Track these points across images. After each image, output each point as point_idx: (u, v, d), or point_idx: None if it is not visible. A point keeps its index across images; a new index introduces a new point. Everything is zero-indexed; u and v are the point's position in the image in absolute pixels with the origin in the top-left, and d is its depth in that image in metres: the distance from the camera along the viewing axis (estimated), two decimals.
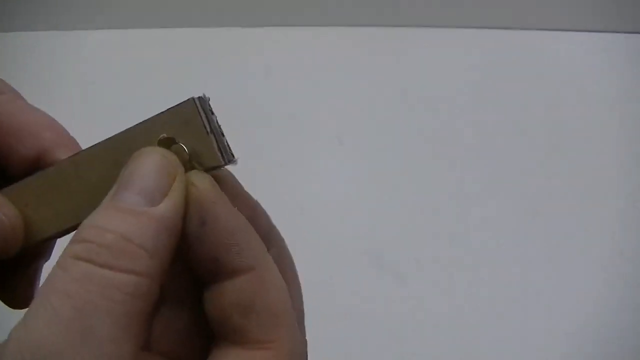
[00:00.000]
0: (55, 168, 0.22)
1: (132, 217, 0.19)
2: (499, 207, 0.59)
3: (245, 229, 0.21)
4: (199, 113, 0.20)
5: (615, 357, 0.52)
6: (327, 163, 0.61)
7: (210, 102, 0.21)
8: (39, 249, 0.24)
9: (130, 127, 0.21)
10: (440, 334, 0.54)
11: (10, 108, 0.23)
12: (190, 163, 0.21)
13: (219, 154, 0.21)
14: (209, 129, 0.20)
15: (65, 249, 0.19)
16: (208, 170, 0.21)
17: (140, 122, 0.21)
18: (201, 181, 0.21)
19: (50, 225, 0.22)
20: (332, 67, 0.67)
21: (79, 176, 0.21)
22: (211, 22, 0.69)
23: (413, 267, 0.56)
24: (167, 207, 0.20)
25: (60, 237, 0.23)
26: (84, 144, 0.25)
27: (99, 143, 0.22)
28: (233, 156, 0.21)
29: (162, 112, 0.21)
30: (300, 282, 0.25)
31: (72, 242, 0.19)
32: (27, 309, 0.19)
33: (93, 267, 0.19)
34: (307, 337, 0.24)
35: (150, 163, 0.20)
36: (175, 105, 0.21)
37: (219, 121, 0.21)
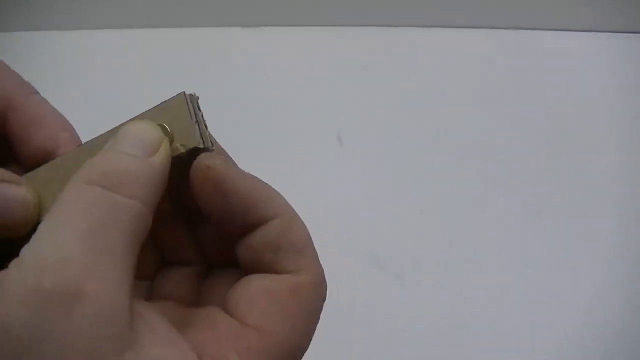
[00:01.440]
0: (60, 159, 0.26)
1: (133, 158, 0.23)
2: (499, 207, 0.59)
3: (262, 185, 0.25)
4: (187, 104, 0.24)
5: (615, 356, 0.52)
6: (327, 163, 0.61)
7: (199, 102, 0.25)
8: None
9: (128, 120, 0.25)
10: (440, 334, 0.54)
11: (40, 107, 0.28)
12: (175, 145, 0.24)
13: (201, 139, 0.24)
14: (195, 119, 0.24)
15: (75, 177, 0.22)
16: (190, 152, 0.24)
17: (137, 116, 0.25)
18: (212, 161, 0.24)
19: None
20: (332, 67, 0.67)
21: (79, 165, 0.24)
22: (211, 22, 0.69)
23: (413, 267, 0.56)
24: (158, 159, 0.23)
25: None
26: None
27: (99, 135, 0.25)
28: (212, 144, 0.24)
29: (157, 105, 0.25)
30: None
31: (85, 170, 0.22)
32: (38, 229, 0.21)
33: (106, 191, 0.22)
34: None
35: (142, 126, 0.24)
36: (169, 99, 0.24)
37: (204, 117, 0.24)
